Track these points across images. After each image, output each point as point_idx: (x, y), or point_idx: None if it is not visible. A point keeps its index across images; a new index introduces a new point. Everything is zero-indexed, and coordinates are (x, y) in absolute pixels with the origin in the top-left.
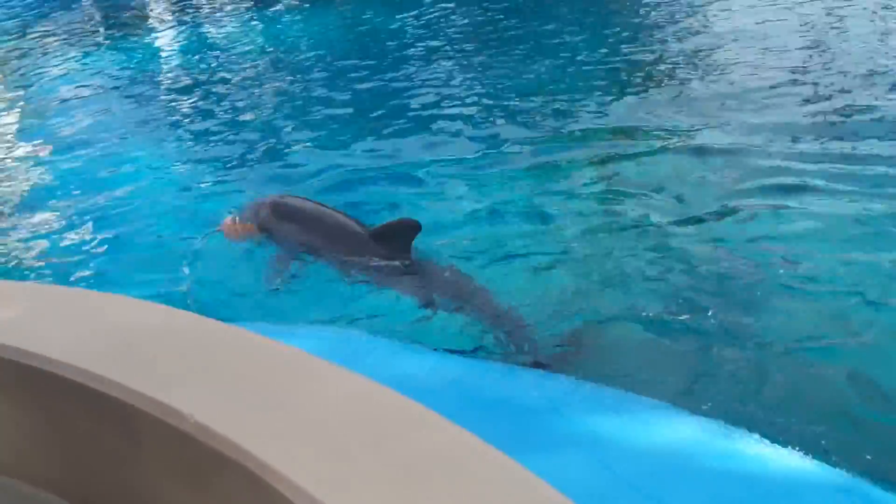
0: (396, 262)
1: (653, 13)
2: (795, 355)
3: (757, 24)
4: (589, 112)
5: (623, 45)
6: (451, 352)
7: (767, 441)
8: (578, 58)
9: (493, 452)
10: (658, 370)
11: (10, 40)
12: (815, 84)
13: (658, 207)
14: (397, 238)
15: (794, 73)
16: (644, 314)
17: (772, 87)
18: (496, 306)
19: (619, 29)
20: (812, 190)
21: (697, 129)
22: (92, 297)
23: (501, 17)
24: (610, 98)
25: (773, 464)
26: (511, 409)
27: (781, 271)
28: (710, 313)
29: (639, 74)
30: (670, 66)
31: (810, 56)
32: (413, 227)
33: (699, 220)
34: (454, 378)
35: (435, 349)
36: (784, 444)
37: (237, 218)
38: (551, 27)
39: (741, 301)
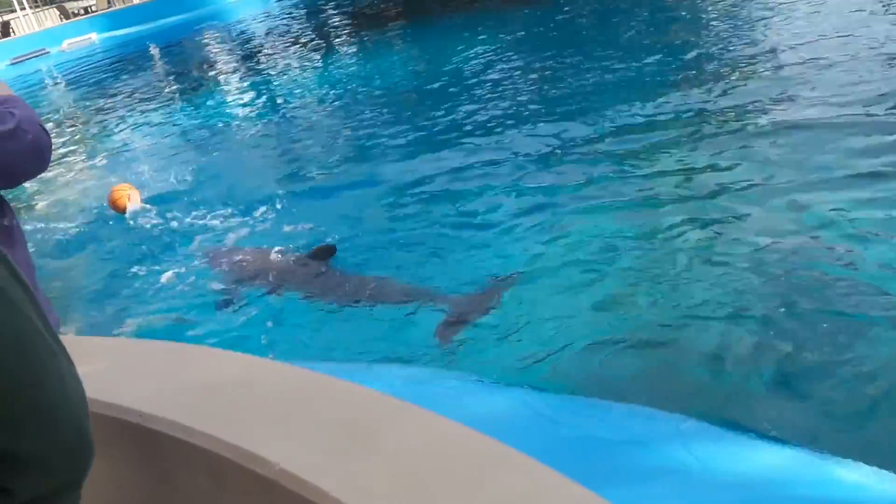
0: (322, 275)
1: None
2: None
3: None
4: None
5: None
6: (521, 385)
7: (863, 466)
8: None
9: (583, 492)
10: (743, 396)
11: (91, 100)
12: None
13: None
14: (321, 259)
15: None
16: (723, 337)
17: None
18: (408, 287)
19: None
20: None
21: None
22: (176, 348)
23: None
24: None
25: (871, 490)
26: (593, 442)
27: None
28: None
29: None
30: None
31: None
32: (330, 250)
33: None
34: (531, 412)
35: (505, 383)
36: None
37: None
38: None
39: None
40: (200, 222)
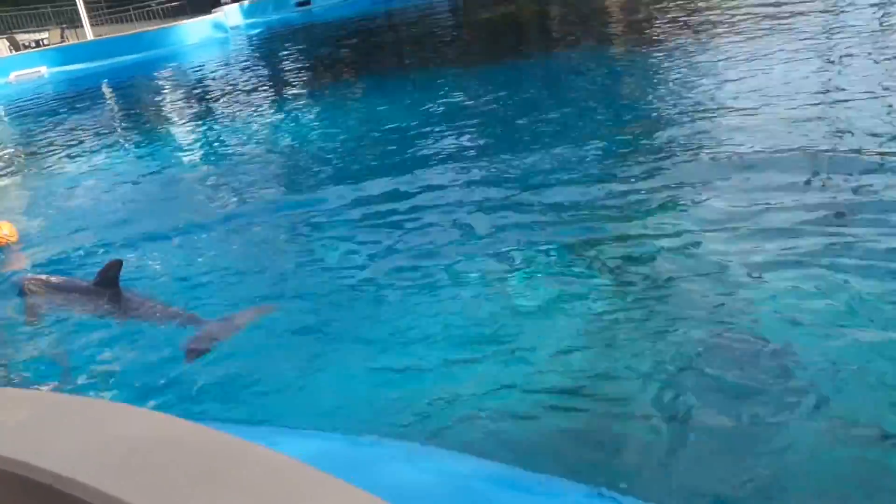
0: (110, 297)
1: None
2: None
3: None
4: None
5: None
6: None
7: None
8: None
9: None
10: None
11: (41, 133)
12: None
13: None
14: (110, 277)
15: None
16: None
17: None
18: (171, 310)
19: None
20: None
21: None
22: (96, 405)
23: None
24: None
25: None
26: None
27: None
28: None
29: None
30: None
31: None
32: (117, 265)
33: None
34: (466, 485)
35: (443, 449)
36: None
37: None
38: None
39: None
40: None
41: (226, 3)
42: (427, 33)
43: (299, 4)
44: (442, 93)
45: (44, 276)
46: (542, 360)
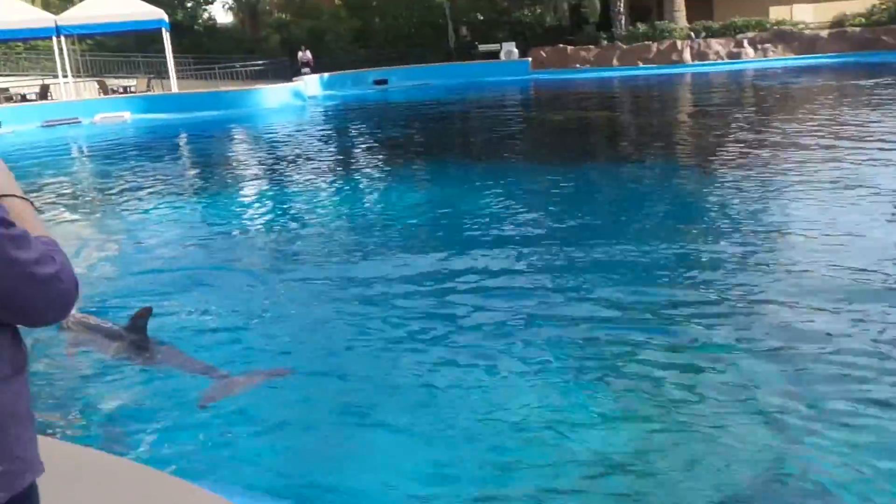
0: (136, 342)
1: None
2: None
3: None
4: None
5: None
6: None
7: None
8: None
9: None
10: None
11: (113, 174)
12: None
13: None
14: (139, 324)
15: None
16: None
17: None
18: (194, 360)
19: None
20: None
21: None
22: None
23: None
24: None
25: None
26: None
27: None
28: None
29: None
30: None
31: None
32: (146, 312)
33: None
34: None
35: None
36: None
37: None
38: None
39: None
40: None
41: (305, 74)
42: (497, 125)
43: (377, 82)
44: (503, 185)
45: (81, 315)
46: (589, 467)
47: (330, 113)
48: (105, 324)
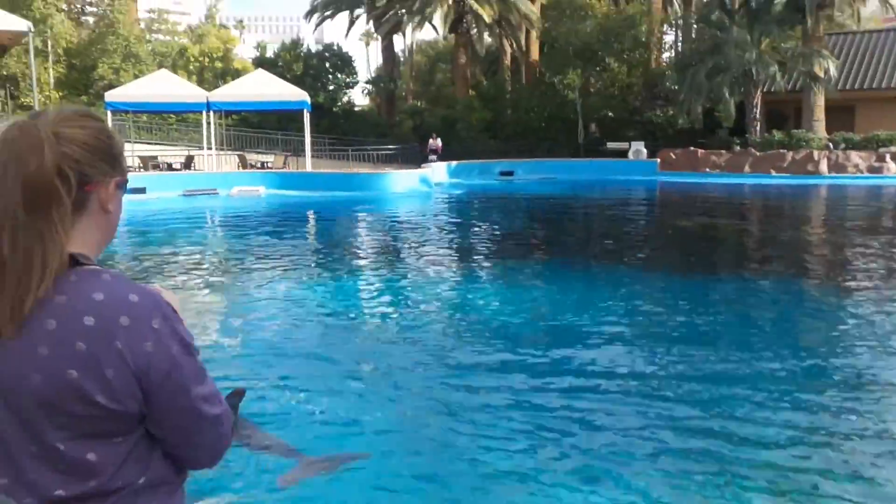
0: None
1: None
2: None
3: None
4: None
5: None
6: None
7: None
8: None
9: None
10: None
11: (243, 246)
12: None
13: None
14: (232, 403)
15: None
16: None
17: None
18: (279, 441)
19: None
20: None
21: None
22: None
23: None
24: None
25: None
26: None
27: None
28: None
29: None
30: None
31: None
32: (240, 393)
33: None
34: None
35: None
36: None
37: None
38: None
39: None
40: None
41: (433, 161)
42: (621, 225)
43: (503, 173)
44: (624, 290)
45: None
46: None
47: (454, 201)
48: None
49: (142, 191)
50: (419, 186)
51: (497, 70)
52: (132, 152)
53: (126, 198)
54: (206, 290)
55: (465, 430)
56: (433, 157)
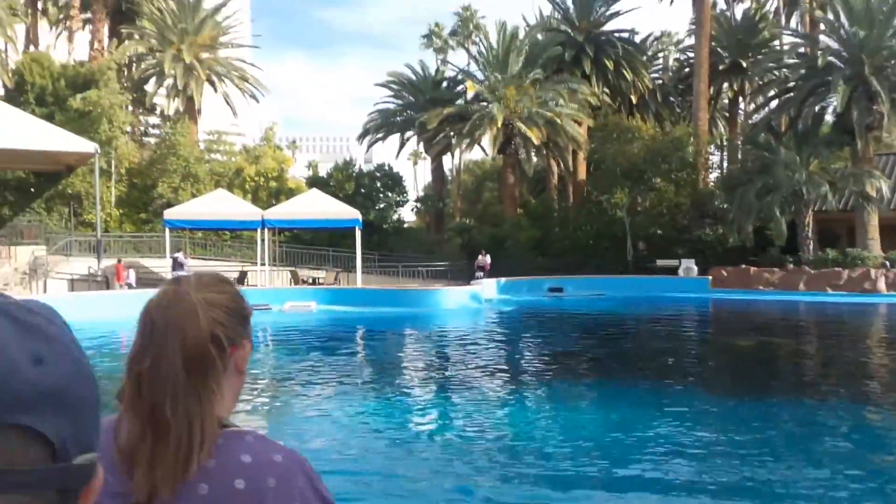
0: None
1: None
2: None
3: None
4: None
5: None
6: None
7: None
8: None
9: None
10: None
11: (294, 362)
12: None
13: None
14: None
15: None
16: None
17: None
18: None
19: None
20: None
21: None
22: None
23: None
24: None
25: None
26: None
27: None
28: None
29: None
30: None
31: None
32: None
33: None
34: None
35: None
36: None
37: None
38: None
39: None
40: None
41: (480, 278)
42: (673, 344)
43: (552, 290)
44: (673, 415)
45: None
46: None
47: (505, 318)
48: None
49: None
50: (470, 302)
51: (545, 188)
52: (187, 269)
53: None
54: (256, 404)
55: None
56: (480, 273)
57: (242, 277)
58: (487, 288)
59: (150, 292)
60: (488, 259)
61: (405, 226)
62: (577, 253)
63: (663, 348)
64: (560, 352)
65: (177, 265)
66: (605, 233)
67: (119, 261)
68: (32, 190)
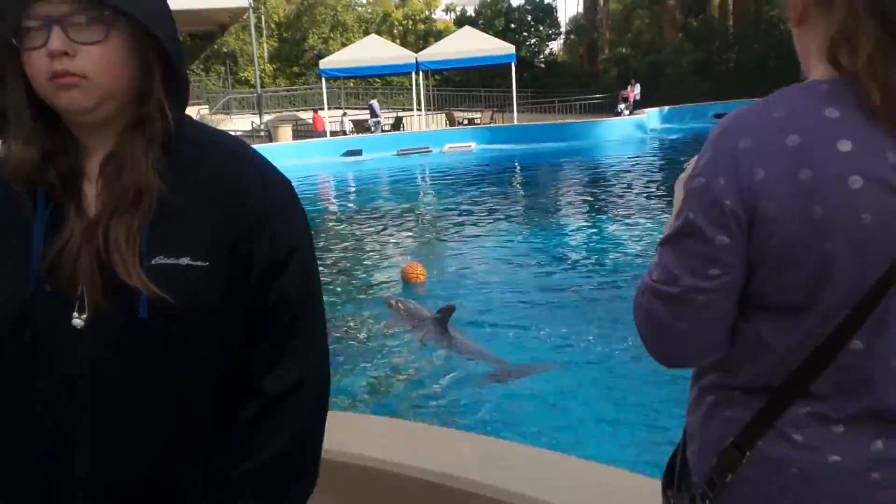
0: (439, 331)
1: None
2: None
3: None
4: None
5: None
6: None
7: None
8: None
9: None
10: None
11: (459, 199)
12: None
13: None
14: (444, 315)
15: None
16: None
17: None
18: (482, 350)
19: None
20: None
21: None
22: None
23: None
24: None
25: None
26: None
27: None
28: None
29: None
30: None
31: None
32: (451, 309)
33: None
34: None
35: None
36: None
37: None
38: None
39: None
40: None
41: (622, 111)
42: None
43: (717, 115)
44: None
45: (404, 300)
46: None
47: (669, 146)
48: (420, 311)
49: (358, 153)
50: (636, 133)
51: (703, 9)
52: (345, 117)
53: (344, 159)
54: (432, 237)
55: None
56: (622, 105)
57: (398, 123)
58: (651, 117)
59: None
60: (637, 88)
61: (558, 60)
62: (744, 76)
63: None
64: None
65: (373, 113)
66: (773, 52)
67: (315, 111)
68: (189, 51)
